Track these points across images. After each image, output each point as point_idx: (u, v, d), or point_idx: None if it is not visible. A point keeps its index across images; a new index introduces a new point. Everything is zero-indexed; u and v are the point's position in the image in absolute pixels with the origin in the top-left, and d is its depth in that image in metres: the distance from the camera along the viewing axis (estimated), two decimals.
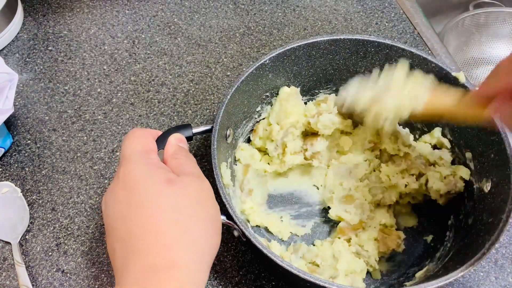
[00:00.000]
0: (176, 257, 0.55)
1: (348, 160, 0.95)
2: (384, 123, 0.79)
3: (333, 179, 0.94)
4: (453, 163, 0.90)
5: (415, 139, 0.97)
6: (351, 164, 0.94)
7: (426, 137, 0.94)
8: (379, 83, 0.81)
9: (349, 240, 0.87)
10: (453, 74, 0.84)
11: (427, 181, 0.88)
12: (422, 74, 0.80)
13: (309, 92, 0.98)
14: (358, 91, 0.82)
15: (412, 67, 0.88)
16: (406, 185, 0.88)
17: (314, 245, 0.87)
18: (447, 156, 0.89)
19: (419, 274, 0.82)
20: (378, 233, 0.86)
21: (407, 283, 0.81)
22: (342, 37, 0.88)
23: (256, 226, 0.90)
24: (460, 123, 0.82)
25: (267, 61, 0.87)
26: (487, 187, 0.79)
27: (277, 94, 0.95)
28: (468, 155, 0.86)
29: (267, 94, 0.93)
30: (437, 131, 0.92)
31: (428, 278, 0.78)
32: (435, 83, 0.82)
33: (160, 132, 0.72)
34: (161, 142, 0.72)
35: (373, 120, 0.79)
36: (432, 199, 0.88)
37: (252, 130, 0.96)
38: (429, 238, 0.89)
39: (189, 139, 0.78)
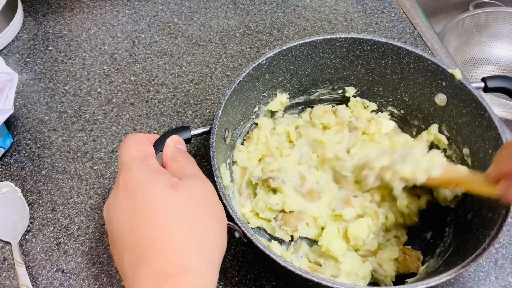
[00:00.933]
0: (187, 261, 0.54)
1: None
2: (395, 184, 0.81)
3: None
4: (451, 159, 0.90)
5: (413, 137, 0.97)
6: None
7: (423, 134, 0.94)
8: (396, 155, 0.84)
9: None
10: (449, 71, 0.84)
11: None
12: (438, 153, 0.84)
13: (306, 92, 0.99)
14: (373, 156, 0.85)
15: (408, 64, 0.89)
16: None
17: (318, 244, 0.85)
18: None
19: (420, 270, 0.82)
20: (399, 254, 0.84)
21: (408, 280, 0.81)
22: (338, 36, 0.89)
23: (257, 227, 0.90)
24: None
25: (264, 61, 0.87)
26: None
27: (274, 94, 0.95)
28: (466, 151, 0.85)
29: (264, 94, 0.93)
30: (434, 128, 0.92)
31: (429, 274, 0.78)
32: (449, 163, 0.84)
33: (157, 136, 0.72)
34: (159, 144, 0.72)
35: (383, 179, 0.82)
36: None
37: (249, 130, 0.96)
38: (429, 234, 0.88)
39: (187, 141, 0.78)
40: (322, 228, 0.86)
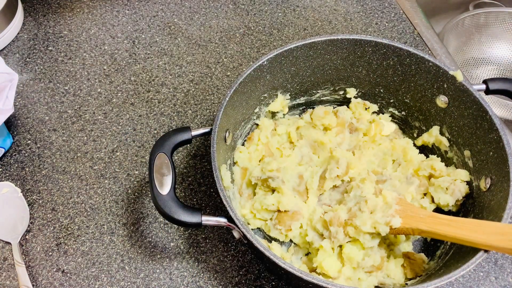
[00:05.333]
0: None
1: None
2: (362, 240, 0.80)
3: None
4: (451, 161, 0.91)
5: (414, 138, 0.97)
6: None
7: (424, 136, 0.94)
8: (350, 202, 0.84)
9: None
10: (451, 72, 0.84)
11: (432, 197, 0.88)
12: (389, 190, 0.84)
13: (307, 93, 0.99)
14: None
15: (409, 65, 0.89)
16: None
17: (321, 246, 0.84)
18: (438, 164, 0.89)
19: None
20: (404, 260, 0.84)
21: (408, 282, 0.81)
22: (339, 37, 0.89)
23: (257, 228, 0.90)
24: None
25: (265, 62, 0.87)
26: (486, 184, 0.79)
27: (275, 95, 0.95)
28: (467, 153, 0.86)
29: (265, 95, 0.93)
30: (435, 130, 0.92)
31: (429, 276, 0.78)
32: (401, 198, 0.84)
33: None
34: (160, 145, 0.72)
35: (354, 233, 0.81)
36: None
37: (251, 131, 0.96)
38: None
39: (188, 141, 0.78)
40: (306, 235, 0.86)
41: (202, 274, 0.86)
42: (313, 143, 0.94)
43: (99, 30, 1.23)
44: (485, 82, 0.86)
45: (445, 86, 0.86)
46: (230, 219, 0.71)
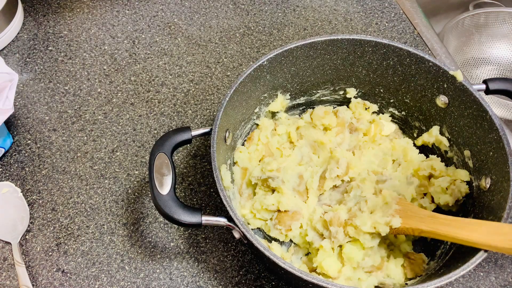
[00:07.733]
0: None
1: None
2: (362, 240, 0.81)
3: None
4: (451, 161, 0.90)
5: (414, 138, 0.97)
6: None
7: (424, 136, 0.94)
8: (350, 202, 0.84)
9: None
10: (451, 72, 0.84)
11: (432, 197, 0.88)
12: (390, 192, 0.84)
13: (307, 93, 0.99)
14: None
15: (409, 65, 0.89)
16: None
17: (322, 246, 0.84)
18: (438, 164, 0.89)
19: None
20: (405, 260, 0.84)
21: (408, 282, 0.81)
22: (339, 37, 0.89)
23: (257, 228, 0.90)
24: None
25: (265, 62, 0.86)
26: (486, 184, 0.79)
27: (275, 95, 0.95)
28: (467, 153, 0.86)
29: (265, 95, 0.93)
30: (435, 130, 0.92)
31: (429, 276, 0.78)
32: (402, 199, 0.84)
33: None
34: (160, 145, 0.72)
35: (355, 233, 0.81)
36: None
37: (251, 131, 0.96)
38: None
39: (188, 141, 0.78)
40: (306, 235, 0.86)
41: (202, 274, 0.86)
42: (313, 143, 0.94)
43: (99, 30, 1.23)
44: (485, 82, 0.86)
45: (445, 86, 0.86)
46: (230, 219, 0.71)
